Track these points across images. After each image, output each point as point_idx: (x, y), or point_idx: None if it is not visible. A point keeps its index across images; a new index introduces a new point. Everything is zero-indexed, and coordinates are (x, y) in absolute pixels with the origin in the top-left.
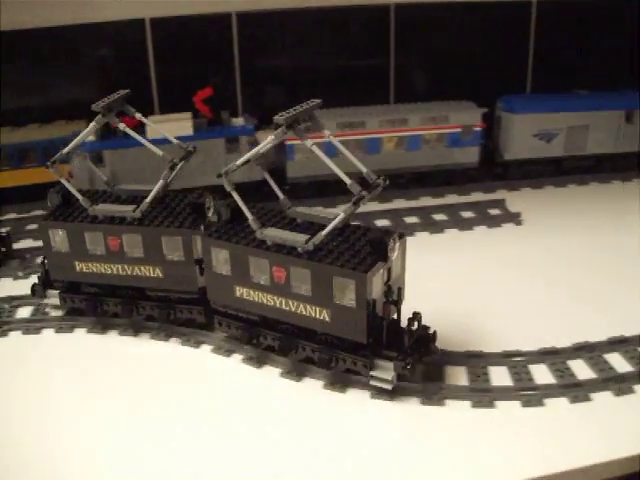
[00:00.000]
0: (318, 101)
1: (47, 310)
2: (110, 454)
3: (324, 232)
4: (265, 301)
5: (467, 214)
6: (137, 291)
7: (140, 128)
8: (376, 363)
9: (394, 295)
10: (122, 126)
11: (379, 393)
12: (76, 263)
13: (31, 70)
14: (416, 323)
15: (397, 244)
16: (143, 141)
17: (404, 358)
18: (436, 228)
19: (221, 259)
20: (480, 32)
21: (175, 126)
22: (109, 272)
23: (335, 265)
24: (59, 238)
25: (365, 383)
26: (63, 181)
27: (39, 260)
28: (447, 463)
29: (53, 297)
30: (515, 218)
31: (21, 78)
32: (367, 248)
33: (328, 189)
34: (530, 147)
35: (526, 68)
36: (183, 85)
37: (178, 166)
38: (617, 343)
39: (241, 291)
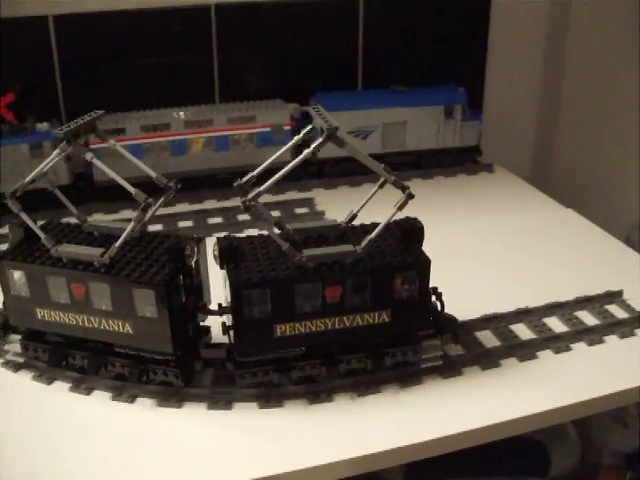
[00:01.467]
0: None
1: (8, 358)
2: None
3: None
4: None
5: (274, 213)
6: (106, 346)
7: None
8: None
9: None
10: (89, 156)
11: (166, 400)
12: (37, 310)
13: None
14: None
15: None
16: (116, 177)
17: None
18: (238, 228)
19: (19, 281)
20: (307, 29)
21: None
22: (73, 323)
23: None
24: (19, 280)
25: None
26: (23, 215)
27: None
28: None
29: (15, 342)
30: (319, 216)
31: None
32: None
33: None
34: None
35: (356, 65)
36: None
37: (154, 208)
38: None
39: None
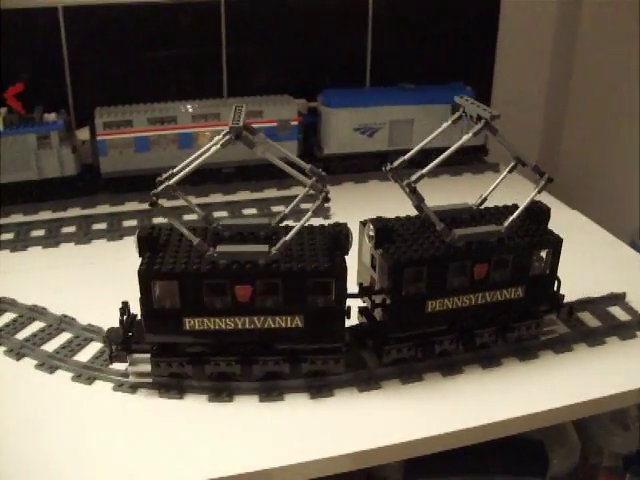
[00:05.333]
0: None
1: (130, 380)
2: None
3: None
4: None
5: (279, 208)
6: (260, 346)
7: None
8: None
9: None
10: (261, 151)
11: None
12: (186, 320)
13: None
14: None
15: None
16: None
17: None
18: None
19: (164, 292)
20: (316, 25)
21: None
22: (231, 327)
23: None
24: (164, 291)
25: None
26: (172, 220)
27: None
28: None
29: (136, 363)
30: (325, 212)
31: None
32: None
33: (144, 183)
34: (351, 141)
35: (365, 62)
36: (6, 79)
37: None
38: None
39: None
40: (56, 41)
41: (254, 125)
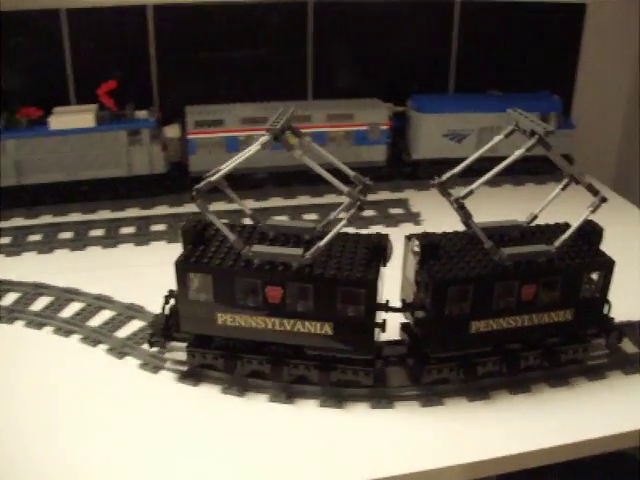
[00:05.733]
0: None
1: (166, 366)
2: None
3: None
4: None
5: (368, 212)
6: (291, 349)
7: (44, 119)
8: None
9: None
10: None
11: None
12: (219, 315)
13: None
14: None
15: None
16: (321, 171)
17: None
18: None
19: (200, 285)
20: (403, 30)
21: (77, 118)
22: (261, 327)
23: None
24: (199, 284)
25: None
26: (211, 216)
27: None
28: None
29: (175, 351)
30: (415, 218)
31: None
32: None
33: (232, 183)
34: (439, 147)
35: (448, 68)
36: (98, 76)
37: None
38: None
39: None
40: (144, 39)
41: (344, 128)
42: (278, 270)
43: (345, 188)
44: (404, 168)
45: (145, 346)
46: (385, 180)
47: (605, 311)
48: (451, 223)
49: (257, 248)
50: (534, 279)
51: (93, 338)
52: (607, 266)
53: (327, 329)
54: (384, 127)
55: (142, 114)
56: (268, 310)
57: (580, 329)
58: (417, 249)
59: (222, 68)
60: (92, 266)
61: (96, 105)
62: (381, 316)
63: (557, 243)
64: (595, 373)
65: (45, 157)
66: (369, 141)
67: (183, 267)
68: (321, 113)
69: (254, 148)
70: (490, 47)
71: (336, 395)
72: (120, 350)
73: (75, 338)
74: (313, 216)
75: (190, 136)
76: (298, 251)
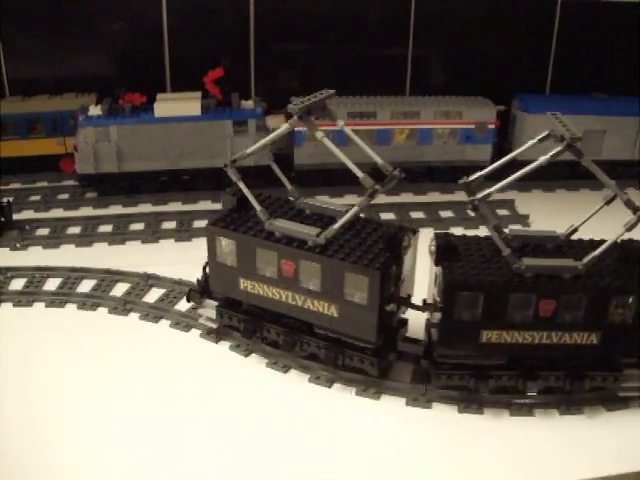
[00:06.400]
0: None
1: (201, 321)
2: None
3: (336, 226)
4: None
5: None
6: (305, 325)
7: (148, 105)
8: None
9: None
10: (320, 135)
11: (365, 390)
12: (241, 280)
13: (43, 40)
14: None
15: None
16: (339, 154)
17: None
18: (442, 225)
19: (226, 249)
20: (502, 29)
21: (183, 106)
22: (277, 298)
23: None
24: (226, 248)
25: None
26: (241, 185)
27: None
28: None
29: (209, 307)
30: (523, 220)
31: (32, 47)
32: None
33: (335, 178)
34: (543, 148)
35: (547, 68)
36: (196, 63)
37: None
38: None
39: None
40: (245, 29)
41: (451, 126)
42: (292, 245)
43: (361, 174)
44: (507, 169)
45: None
46: (490, 179)
47: None
48: (564, 226)
49: (278, 222)
50: (554, 295)
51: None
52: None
53: (333, 311)
54: (491, 126)
55: (248, 104)
56: (282, 283)
57: (609, 355)
58: (433, 249)
59: (319, 60)
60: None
61: (199, 93)
62: (401, 310)
63: (586, 260)
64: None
65: (147, 144)
66: (476, 139)
67: (212, 230)
68: (429, 109)
69: (283, 128)
70: (590, 47)
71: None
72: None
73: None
74: (420, 214)
75: (297, 128)
76: (314, 230)
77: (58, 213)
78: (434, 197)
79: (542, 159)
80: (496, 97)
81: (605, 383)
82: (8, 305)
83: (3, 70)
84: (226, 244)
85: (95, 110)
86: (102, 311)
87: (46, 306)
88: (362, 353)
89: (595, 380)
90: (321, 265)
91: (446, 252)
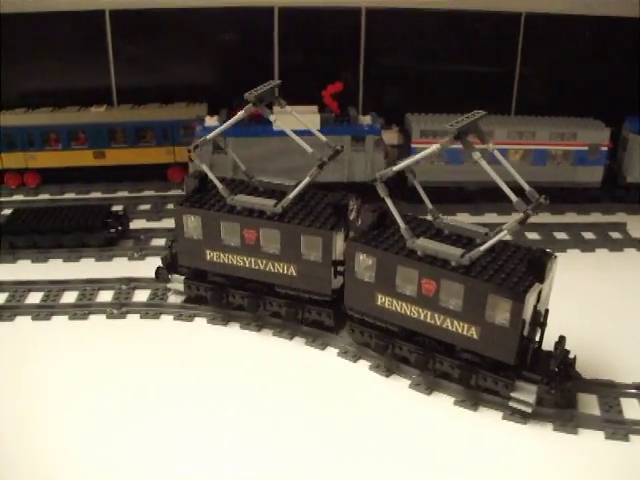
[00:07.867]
0: (483, 112)
1: (168, 295)
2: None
3: (482, 248)
4: (409, 312)
5: (588, 235)
6: (266, 286)
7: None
8: (517, 385)
9: (541, 317)
10: (272, 118)
11: (512, 414)
12: (207, 251)
13: (152, 50)
14: (559, 347)
15: (554, 265)
16: (293, 136)
17: (549, 382)
18: (558, 246)
19: (193, 225)
20: (612, 50)
21: (303, 119)
22: (241, 264)
23: (492, 283)
24: (192, 224)
25: (498, 403)
26: (204, 167)
27: (165, 244)
28: None
29: (176, 282)
30: (638, 244)
31: (141, 57)
32: (522, 267)
33: (444, 195)
34: None
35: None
36: (306, 77)
37: (325, 165)
38: None
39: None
40: (355, 42)
41: (565, 147)
42: (253, 216)
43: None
44: (617, 191)
45: None
46: (596, 202)
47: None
48: None
49: (239, 197)
50: (435, 276)
51: None
52: (515, 296)
53: (292, 271)
54: (604, 148)
55: (365, 119)
56: (245, 249)
57: (486, 353)
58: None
59: (425, 77)
60: None
61: (315, 107)
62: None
63: (471, 253)
64: None
65: (263, 157)
66: (588, 161)
67: (179, 209)
68: (545, 130)
69: (433, 147)
70: None
71: None
72: None
73: None
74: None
75: (414, 145)
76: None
77: (169, 223)
78: (545, 218)
79: (434, 147)
80: (603, 118)
81: (496, 387)
82: (135, 317)
83: (112, 79)
84: (193, 221)
85: (211, 121)
86: None
87: (174, 319)
88: (319, 306)
89: (486, 380)
90: (279, 230)
91: (381, 219)
